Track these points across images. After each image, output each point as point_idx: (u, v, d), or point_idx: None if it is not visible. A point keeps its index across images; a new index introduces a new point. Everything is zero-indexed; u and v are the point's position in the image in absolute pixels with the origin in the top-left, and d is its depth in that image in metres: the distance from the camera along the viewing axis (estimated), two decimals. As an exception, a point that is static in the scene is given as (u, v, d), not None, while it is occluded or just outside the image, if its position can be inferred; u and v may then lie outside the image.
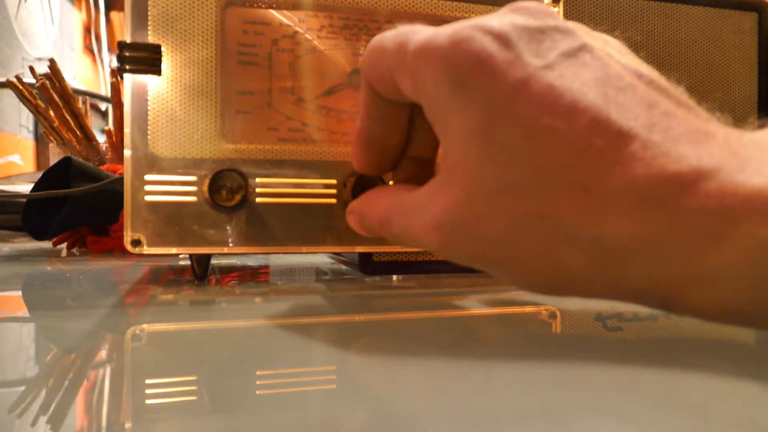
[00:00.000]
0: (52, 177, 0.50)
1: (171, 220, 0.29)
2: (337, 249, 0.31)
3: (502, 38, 0.18)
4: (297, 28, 0.30)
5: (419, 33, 0.20)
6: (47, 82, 0.67)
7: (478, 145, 0.18)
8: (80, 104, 0.70)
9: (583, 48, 0.18)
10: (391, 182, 0.26)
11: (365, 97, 0.23)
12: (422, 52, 0.19)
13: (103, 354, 0.20)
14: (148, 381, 0.17)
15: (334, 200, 0.30)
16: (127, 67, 0.28)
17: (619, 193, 0.16)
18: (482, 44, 0.18)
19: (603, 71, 0.18)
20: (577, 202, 0.17)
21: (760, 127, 0.18)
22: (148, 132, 0.28)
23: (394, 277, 0.36)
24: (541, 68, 0.17)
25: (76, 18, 2.62)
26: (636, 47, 0.20)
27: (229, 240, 0.29)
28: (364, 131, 0.24)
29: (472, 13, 0.32)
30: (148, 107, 0.28)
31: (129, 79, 0.28)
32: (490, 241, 0.18)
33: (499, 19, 0.19)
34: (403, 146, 0.24)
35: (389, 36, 0.21)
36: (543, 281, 0.19)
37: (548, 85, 0.17)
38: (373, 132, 0.24)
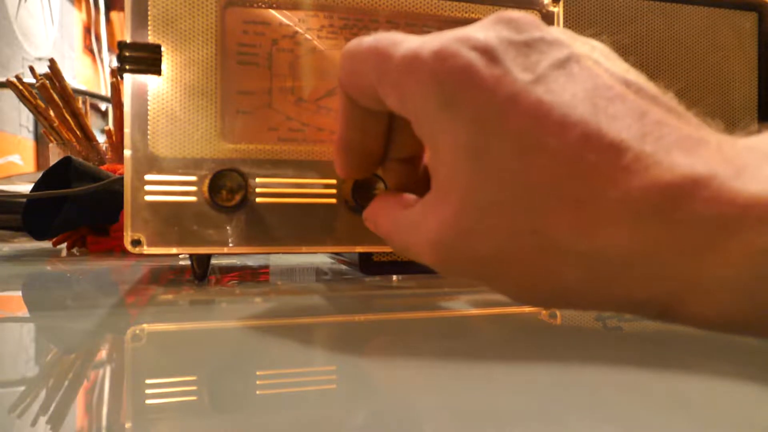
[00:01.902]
0: (52, 177, 0.50)
1: (171, 220, 0.29)
2: (337, 249, 0.31)
3: (488, 53, 0.18)
4: (297, 28, 0.30)
5: (401, 45, 0.19)
6: (47, 82, 0.67)
7: (469, 162, 0.18)
8: (80, 104, 0.70)
9: (570, 58, 0.18)
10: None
11: (343, 106, 0.23)
12: (407, 67, 0.19)
13: (103, 354, 0.20)
14: (148, 381, 0.17)
15: (334, 200, 0.30)
16: (127, 67, 0.28)
17: (614, 206, 0.16)
18: (469, 60, 0.18)
19: (592, 81, 0.17)
20: (570, 217, 0.17)
21: (754, 133, 0.18)
22: (148, 132, 0.28)
23: (394, 277, 0.36)
24: (529, 83, 0.17)
25: (76, 18, 2.62)
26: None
27: (229, 240, 0.29)
28: (345, 140, 0.24)
29: (473, 13, 0.32)
30: (148, 107, 0.28)
31: (129, 79, 0.28)
32: (484, 257, 0.18)
33: (484, 32, 0.18)
34: (384, 149, 0.24)
35: (367, 45, 0.20)
36: (539, 295, 0.19)
37: (537, 100, 0.17)
38: (353, 140, 0.23)
